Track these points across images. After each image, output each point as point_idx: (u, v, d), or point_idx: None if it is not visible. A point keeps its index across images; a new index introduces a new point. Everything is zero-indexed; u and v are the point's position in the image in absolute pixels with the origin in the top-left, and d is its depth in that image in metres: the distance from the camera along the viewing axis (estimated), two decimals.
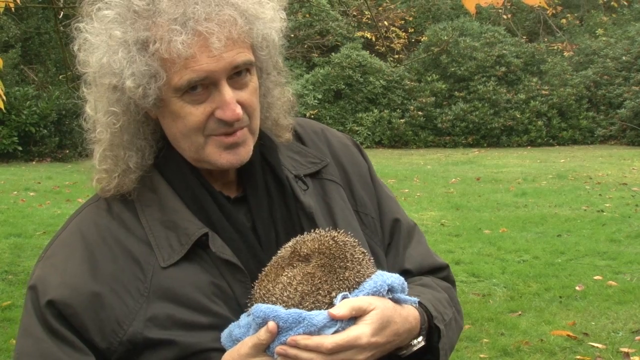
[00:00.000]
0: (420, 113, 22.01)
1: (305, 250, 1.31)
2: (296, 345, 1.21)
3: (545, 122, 21.72)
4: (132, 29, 1.28)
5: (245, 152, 1.37)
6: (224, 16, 1.27)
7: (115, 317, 1.31)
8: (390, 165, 16.83)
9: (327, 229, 1.36)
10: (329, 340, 1.21)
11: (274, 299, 1.26)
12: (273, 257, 1.34)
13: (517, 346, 5.17)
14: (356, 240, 1.35)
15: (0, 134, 18.06)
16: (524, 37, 24.32)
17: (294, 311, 1.24)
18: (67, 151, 19.04)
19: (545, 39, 24.72)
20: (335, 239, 1.32)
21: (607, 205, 10.75)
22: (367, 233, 1.51)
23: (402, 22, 24.75)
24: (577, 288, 6.54)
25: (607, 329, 5.48)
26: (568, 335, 5.33)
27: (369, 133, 21.91)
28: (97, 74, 1.33)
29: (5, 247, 8.53)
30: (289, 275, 1.28)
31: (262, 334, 1.23)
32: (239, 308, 1.32)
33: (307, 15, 23.24)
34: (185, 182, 1.39)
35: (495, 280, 6.92)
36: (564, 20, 25.61)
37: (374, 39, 23.30)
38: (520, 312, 5.97)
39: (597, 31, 24.25)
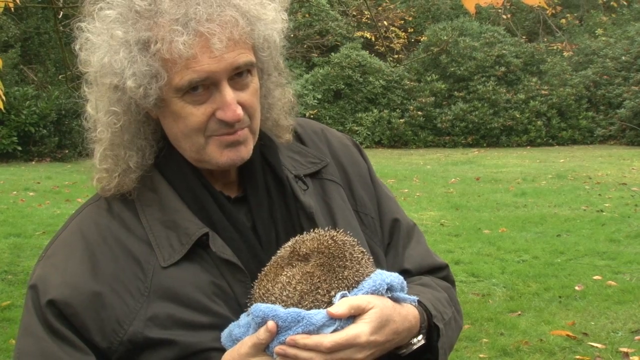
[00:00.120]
0: (419, 113, 22.02)
1: (305, 250, 1.31)
2: (295, 345, 1.22)
3: (544, 122, 21.73)
4: (133, 29, 1.28)
5: (246, 150, 1.37)
6: (226, 17, 1.27)
7: (116, 316, 1.31)
8: (389, 165, 16.83)
9: (326, 229, 1.36)
10: (328, 339, 1.22)
11: (273, 299, 1.27)
12: (272, 257, 1.34)
13: (517, 346, 5.18)
14: (355, 240, 1.35)
15: (0, 133, 18.06)
16: (524, 37, 24.33)
17: (293, 310, 1.24)
18: (67, 151, 19.04)
19: (545, 39, 24.73)
20: (335, 238, 1.32)
21: (607, 205, 10.75)
22: (367, 233, 1.51)
23: (402, 22, 24.76)
24: (576, 288, 6.54)
25: (607, 329, 5.49)
26: (567, 335, 5.33)
27: (369, 133, 21.91)
28: (98, 74, 1.33)
29: (5, 247, 8.53)
30: (288, 274, 1.29)
31: (262, 333, 1.23)
32: (239, 308, 1.33)
33: (307, 15, 23.25)
34: (186, 182, 1.39)
35: (494, 280, 6.92)
36: (563, 20, 25.62)
37: (373, 39, 23.31)
38: (519, 312, 5.97)
39: (596, 31, 24.26)
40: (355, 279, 1.30)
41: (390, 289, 1.31)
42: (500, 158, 18.32)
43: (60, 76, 18.18)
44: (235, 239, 1.37)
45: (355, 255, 1.32)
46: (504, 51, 22.42)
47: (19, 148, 18.41)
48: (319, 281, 1.28)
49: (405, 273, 1.48)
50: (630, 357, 4.90)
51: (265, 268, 1.33)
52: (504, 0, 3.23)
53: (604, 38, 23.31)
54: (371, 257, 1.37)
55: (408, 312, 1.34)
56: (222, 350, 1.30)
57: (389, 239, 1.56)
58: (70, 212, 1.50)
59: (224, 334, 1.31)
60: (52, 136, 18.88)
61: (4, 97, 4.79)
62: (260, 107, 1.41)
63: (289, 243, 1.34)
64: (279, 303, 1.26)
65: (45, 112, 18.47)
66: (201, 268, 1.34)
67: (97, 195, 1.43)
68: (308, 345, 1.21)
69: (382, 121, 21.93)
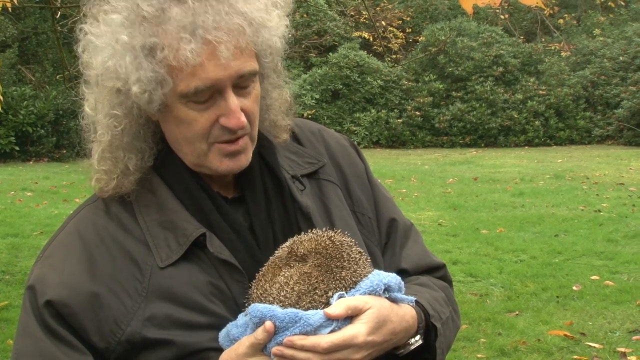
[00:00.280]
0: (417, 113, 22.02)
1: (302, 250, 1.32)
2: (292, 346, 1.22)
3: (542, 122, 21.74)
4: (139, 34, 1.27)
5: (246, 159, 1.38)
6: (233, 25, 1.27)
7: (114, 317, 1.31)
8: (387, 165, 16.83)
9: (324, 229, 1.36)
10: (325, 339, 1.22)
11: (271, 299, 1.27)
12: (270, 258, 1.34)
13: (515, 346, 5.18)
14: (353, 240, 1.35)
15: None
16: (522, 37, 24.34)
17: (290, 311, 1.24)
18: (65, 151, 19.03)
19: (543, 39, 24.75)
20: (332, 238, 1.33)
21: (604, 205, 10.77)
22: (364, 233, 1.52)
23: (400, 22, 24.76)
24: (574, 288, 6.55)
25: (604, 329, 5.49)
26: (565, 335, 5.34)
27: (367, 133, 21.91)
28: (100, 77, 1.32)
29: (3, 247, 8.52)
30: (286, 275, 1.29)
31: (259, 333, 1.23)
32: (236, 308, 1.33)
33: (305, 15, 23.25)
34: (183, 183, 1.40)
35: (492, 280, 6.93)
36: (561, 21, 25.64)
37: (371, 39, 23.31)
38: (517, 312, 5.98)
39: (594, 31, 24.28)
40: (353, 279, 1.30)
41: (387, 289, 1.32)
42: (498, 158, 18.33)
43: (58, 76, 18.15)
44: (233, 240, 1.37)
45: (352, 255, 1.32)
46: (502, 51, 22.43)
47: (17, 148, 18.41)
48: (316, 282, 1.28)
49: (403, 273, 1.48)
50: (628, 357, 4.90)
51: (263, 268, 1.33)
52: (501, 0, 3.23)
53: (601, 38, 23.33)
54: (369, 258, 1.37)
55: (405, 313, 1.34)
56: (220, 350, 1.30)
57: (386, 239, 1.56)
58: (68, 212, 1.50)
59: (222, 334, 1.31)
60: (50, 136, 18.87)
61: (1, 97, 4.79)
62: (259, 109, 1.41)
63: (287, 243, 1.34)
64: (277, 303, 1.26)
65: (43, 112, 18.46)
66: (199, 268, 1.34)
67: (94, 196, 1.43)
68: (305, 346, 1.21)
69: (380, 121, 21.94)
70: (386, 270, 1.38)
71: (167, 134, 1.38)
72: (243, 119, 1.32)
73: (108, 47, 1.29)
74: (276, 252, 1.34)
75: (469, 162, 17.65)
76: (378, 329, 1.27)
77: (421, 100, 22.11)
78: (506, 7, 22.73)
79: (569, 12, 26.35)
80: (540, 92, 21.90)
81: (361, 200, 1.55)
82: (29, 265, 7.08)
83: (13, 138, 18.26)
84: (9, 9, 5.18)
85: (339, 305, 1.25)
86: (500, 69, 22.26)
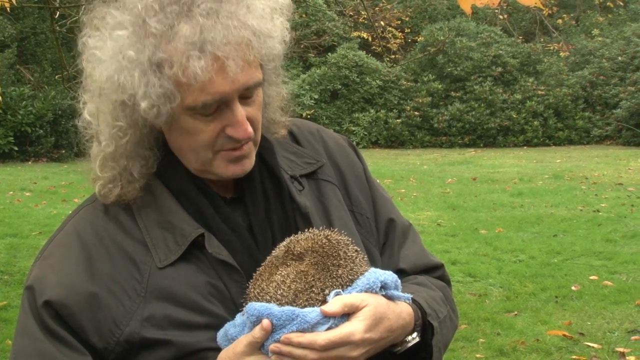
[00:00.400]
0: (416, 113, 22.04)
1: (299, 249, 1.32)
2: (290, 343, 1.22)
3: (541, 122, 21.76)
4: (146, 50, 1.26)
5: (250, 163, 1.38)
6: (241, 39, 1.26)
7: (112, 317, 1.31)
8: (386, 166, 16.84)
9: (320, 228, 1.37)
10: (322, 337, 1.22)
11: (268, 298, 1.27)
12: (267, 257, 1.35)
13: (513, 346, 5.18)
14: (350, 239, 1.36)
15: None
16: (520, 38, 24.36)
17: (287, 309, 1.24)
18: (63, 151, 19.03)
19: (542, 39, 24.77)
20: (329, 237, 1.33)
21: (603, 205, 10.77)
22: (363, 233, 1.52)
23: (399, 22, 24.78)
24: (573, 288, 6.55)
25: (603, 329, 5.50)
26: (564, 335, 5.34)
27: (366, 133, 21.92)
28: (105, 90, 1.31)
29: (1, 247, 8.52)
30: (283, 273, 1.29)
31: (257, 332, 1.24)
32: (235, 308, 1.33)
33: (304, 15, 23.25)
34: (182, 183, 1.40)
35: (491, 280, 6.93)
36: (560, 21, 25.66)
37: (370, 39, 23.33)
38: (516, 312, 5.98)
39: (593, 31, 24.30)
40: (350, 277, 1.30)
41: (384, 286, 1.32)
42: (497, 158, 18.35)
43: (56, 76, 18.18)
44: (232, 240, 1.37)
45: (349, 254, 1.33)
46: (501, 51, 22.44)
47: (16, 148, 18.40)
48: (313, 280, 1.28)
49: (401, 273, 1.48)
50: (627, 357, 4.91)
51: (260, 268, 1.33)
52: (500, 0, 3.24)
53: (600, 38, 23.36)
54: (365, 256, 1.38)
55: (402, 310, 1.34)
56: (218, 350, 1.30)
57: (385, 239, 1.56)
58: (66, 212, 1.50)
59: (220, 334, 1.31)
60: (49, 136, 18.86)
61: (0, 97, 4.79)
62: None
63: (284, 243, 1.35)
64: (274, 302, 1.26)
65: (41, 112, 18.45)
66: (197, 268, 1.35)
67: (93, 197, 1.43)
68: (302, 343, 1.22)
69: (379, 121, 21.94)
70: (384, 270, 1.39)
71: (170, 141, 1.38)
72: (250, 129, 1.32)
73: (113, 61, 1.28)
74: (273, 251, 1.35)
75: (467, 162, 17.66)
76: (375, 326, 1.27)
77: (420, 101, 22.12)
78: (505, 7, 22.74)
79: (568, 12, 26.37)
80: (539, 92, 21.91)
81: (360, 201, 1.56)
82: (28, 266, 7.07)
83: (12, 138, 18.25)
84: (8, 9, 5.18)
85: (335, 303, 1.25)
86: (499, 69, 22.28)
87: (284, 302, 1.26)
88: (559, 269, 7.26)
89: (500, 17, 23.04)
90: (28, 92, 18.83)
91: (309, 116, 20.52)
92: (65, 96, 16.96)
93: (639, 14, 24.54)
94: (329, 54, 22.62)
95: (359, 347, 1.25)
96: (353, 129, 21.85)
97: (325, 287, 1.28)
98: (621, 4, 25.46)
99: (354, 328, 1.24)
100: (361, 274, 1.32)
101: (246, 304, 1.29)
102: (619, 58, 21.77)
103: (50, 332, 1.30)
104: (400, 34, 24.55)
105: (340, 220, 1.48)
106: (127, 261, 1.34)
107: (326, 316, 1.24)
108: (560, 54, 23.45)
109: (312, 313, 1.24)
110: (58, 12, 6.53)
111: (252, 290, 1.31)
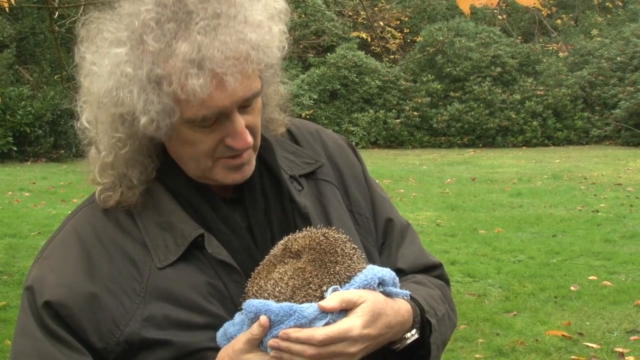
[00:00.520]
0: (415, 113, 22.04)
1: (297, 247, 1.33)
2: (288, 339, 1.22)
3: (540, 123, 21.76)
4: (145, 66, 1.25)
5: (250, 169, 1.39)
6: (240, 54, 1.25)
7: (112, 317, 1.31)
8: (385, 166, 16.84)
9: (318, 227, 1.37)
10: (319, 332, 1.22)
11: (266, 295, 1.28)
12: (266, 256, 1.35)
13: (513, 346, 5.19)
14: (347, 237, 1.36)
15: None
16: (519, 38, 24.37)
17: (285, 304, 1.25)
18: (62, 151, 19.02)
19: (541, 40, 24.79)
20: (326, 235, 1.34)
21: (602, 205, 10.78)
22: (361, 233, 1.52)
23: (398, 22, 24.78)
24: (572, 288, 6.56)
25: (602, 329, 5.50)
26: (563, 336, 5.34)
27: (365, 133, 21.92)
28: (103, 104, 1.31)
29: (0, 247, 8.52)
30: (281, 271, 1.30)
31: (255, 328, 1.24)
32: (234, 308, 1.33)
33: (303, 16, 23.25)
34: (181, 184, 1.40)
35: (490, 281, 6.93)
36: (559, 21, 25.67)
37: (369, 39, 23.33)
38: (515, 312, 5.98)
39: (592, 32, 24.32)
40: (347, 274, 1.31)
41: (382, 283, 1.32)
42: (496, 158, 18.35)
43: (55, 76, 18.15)
44: (231, 240, 1.38)
45: (346, 251, 1.33)
46: (500, 51, 22.45)
47: (15, 148, 18.39)
48: (310, 276, 1.29)
49: (399, 272, 1.48)
50: (626, 357, 4.91)
51: (259, 266, 1.34)
52: (499, 0, 3.24)
53: (599, 39, 23.37)
54: (363, 254, 1.38)
55: (400, 307, 1.34)
56: (218, 349, 1.30)
57: (383, 239, 1.56)
58: (66, 212, 1.50)
59: (219, 333, 1.32)
60: (48, 136, 18.85)
61: None
62: None
63: (282, 241, 1.35)
64: (272, 299, 1.27)
65: (40, 113, 18.44)
66: (197, 269, 1.35)
67: (92, 197, 1.43)
68: (300, 338, 1.22)
69: (378, 121, 21.95)
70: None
71: (170, 150, 1.38)
72: (249, 139, 1.33)
73: (112, 77, 1.28)
74: (271, 250, 1.35)
75: (467, 162, 17.66)
76: (373, 322, 1.27)
77: (419, 101, 22.12)
78: (504, 7, 22.76)
79: (567, 12, 26.38)
80: (538, 92, 21.92)
81: (358, 201, 1.56)
82: (27, 266, 7.07)
83: (11, 138, 18.24)
84: (7, 9, 5.17)
85: (333, 298, 1.25)
86: (498, 69, 22.28)
87: (281, 298, 1.27)
88: (558, 269, 7.26)
89: (499, 17, 23.05)
90: (27, 92, 18.82)
91: (308, 116, 20.52)
92: (64, 96, 16.94)
93: (638, 14, 24.55)
94: (328, 54, 22.62)
95: (357, 343, 1.25)
96: (352, 129, 21.85)
97: (323, 284, 1.28)
98: (620, 4, 25.48)
99: (352, 324, 1.25)
100: (359, 270, 1.32)
101: (245, 302, 1.30)
102: (618, 58, 21.78)
103: (50, 333, 1.30)
104: (399, 34, 24.56)
105: (339, 220, 1.48)
106: (127, 261, 1.34)
107: (324, 311, 1.24)
108: (559, 54, 23.46)
109: (309, 308, 1.24)
110: (57, 12, 6.53)
111: (250, 288, 1.31)
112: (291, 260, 1.32)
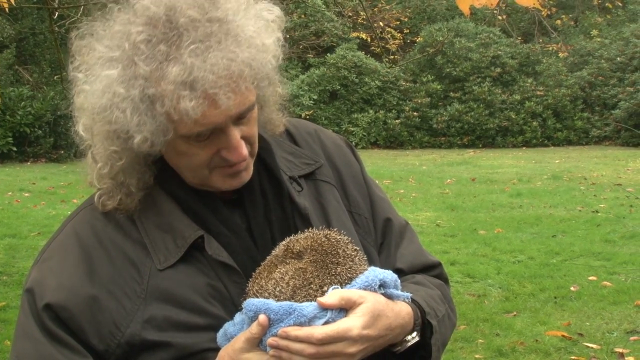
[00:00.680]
0: (415, 114, 22.04)
1: (298, 248, 1.33)
2: (287, 337, 1.23)
3: (540, 123, 21.77)
4: (137, 88, 1.25)
5: (247, 174, 1.39)
6: (233, 73, 1.24)
7: (113, 319, 1.31)
8: (385, 166, 16.84)
9: (320, 228, 1.37)
10: (318, 330, 1.22)
11: (266, 294, 1.28)
12: (267, 257, 1.35)
13: (512, 347, 5.18)
14: (349, 238, 1.36)
15: None
16: (519, 38, 24.37)
17: (284, 303, 1.25)
18: (62, 152, 19.02)
19: (540, 40, 24.78)
20: (328, 236, 1.34)
21: (602, 205, 10.78)
22: (361, 233, 1.52)
23: (398, 22, 24.77)
24: (572, 288, 6.55)
25: (602, 330, 5.50)
26: (563, 336, 5.34)
27: (365, 134, 21.93)
28: (97, 121, 1.31)
29: (0, 248, 8.51)
30: (282, 271, 1.30)
31: (254, 327, 1.24)
32: (234, 309, 1.33)
33: (303, 16, 23.26)
34: (180, 187, 1.40)
35: (490, 281, 6.93)
36: (558, 21, 25.67)
37: (369, 39, 23.33)
38: (515, 313, 5.98)
39: (591, 32, 24.32)
40: (348, 275, 1.31)
41: (383, 285, 1.32)
42: (496, 159, 18.35)
43: (55, 77, 18.17)
44: (231, 241, 1.38)
45: (348, 252, 1.33)
46: (500, 52, 22.46)
47: (14, 149, 18.39)
48: (311, 276, 1.29)
49: (398, 272, 1.48)
50: (626, 358, 4.91)
51: (260, 267, 1.34)
52: (498, 1, 3.24)
53: (599, 39, 23.38)
54: (365, 256, 1.38)
55: (401, 309, 1.34)
56: (218, 350, 1.30)
57: (382, 239, 1.57)
58: (65, 213, 1.50)
59: (219, 334, 1.32)
60: (48, 137, 18.85)
61: None
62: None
63: (283, 242, 1.36)
64: (272, 298, 1.27)
65: (40, 113, 18.44)
66: (197, 270, 1.35)
67: (92, 198, 1.43)
68: (299, 336, 1.22)
69: (378, 122, 21.95)
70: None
71: (167, 159, 1.38)
72: (244, 152, 1.33)
73: (105, 96, 1.27)
74: (273, 250, 1.36)
75: (466, 162, 17.66)
76: (373, 323, 1.27)
77: (419, 101, 22.12)
78: (503, 7, 22.75)
79: (567, 13, 26.38)
80: (538, 92, 21.93)
81: (357, 201, 1.56)
82: (27, 266, 7.07)
83: (10, 139, 18.24)
84: (6, 9, 5.17)
85: (332, 295, 1.26)
86: (498, 69, 22.29)
87: (282, 298, 1.27)
88: (558, 269, 7.26)
89: (499, 17, 23.05)
90: (27, 93, 18.82)
91: (308, 117, 20.51)
92: (64, 97, 16.93)
93: (638, 14, 24.56)
94: (328, 54, 22.62)
95: (356, 344, 1.25)
96: (352, 129, 21.85)
97: (324, 284, 1.29)
98: (620, 4, 25.47)
99: (352, 324, 1.25)
100: (360, 272, 1.32)
101: (244, 301, 1.30)
102: (618, 59, 21.79)
103: (52, 335, 1.31)
104: (399, 34, 24.55)
105: (339, 220, 1.48)
106: (127, 263, 1.34)
107: (323, 308, 1.24)
108: (559, 54, 23.46)
109: (309, 307, 1.24)
110: (57, 13, 6.53)
111: (251, 288, 1.31)
112: (293, 260, 1.32)
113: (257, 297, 1.28)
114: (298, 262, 1.31)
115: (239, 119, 1.31)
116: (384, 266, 1.45)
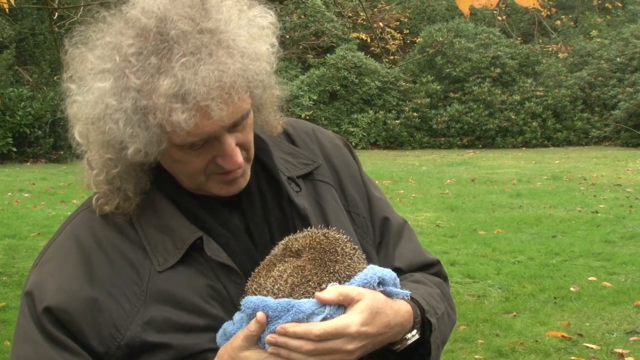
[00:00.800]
0: (415, 114, 22.04)
1: (297, 246, 1.33)
2: (285, 333, 1.23)
3: (540, 123, 21.78)
4: (129, 101, 1.25)
5: (244, 180, 1.39)
6: (224, 84, 1.24)
7: (113, 321, 1.31)
8: (385, 167, 16.84)
9: (319, 227, 1.38)
10: (317, 327, 1.22)
11: (265, 292, 1.28)
12: (266, 257, 1.35)
13: (512, 347, 5.18)
14: (348, 237, 1.37)
15: None
16: (519, 39, 24.38)
17: (282, 300, 1.25)
18: (62, 152, 19.02)
19: (540, 40, 24.79)
20: (327, 234, 1.35)
21: (602, 206, 10.78)
22: (359, 232, 1.52)
23: (397, 23, 24.79)
24: (571, 289, 6.56)
25: (602, 330, 5.50)
26: (563, 336, 5.34)
27: (364, 134, 21.93)
28: (91, 131, 1.31)
29: (0, 248, 8.51)
30: (280, 269, 1.30)
31: (252, 325, 1.24)
32: (234, 309, 1.33)
33: (303, 17, 23.26)
34: (178, 189, 1.40)
35: (490, 281, 6.93)
36: (558, 22, 25.68)
37: (369, 40, 23.34)
38: (515, 313, 5.98)
39: (591, 32, 24.33)
40: (347, 273, 1.31)
41: (382, 282, 1.32)
42: (496, 159, 18.35)
43: (55, 77, 18.15)
44: (230, 242, 1.38)
45: (346, 250, 1.34)
46: (499, 52, 22.47)
47: (14, 149, 18.39)
48: (309, 274, 1.29)
49: (397, 271, 1.48)
50: (625, 358, 4.91)
51: (259, 266, 1.34)
52: (498, 1, 3.24)
53: (598, 39, 23.38)
54: (363, 254, 1.38)
55: (400, 307, 1.34)
56: (218, 350, 1.30)
57: (380, 238, 1.57)
58: (65, 213, 1.50)
59: (219, 333, 1.32)
60: (47, 137, 18.86)
61: None
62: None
63: (282, 241, 1.36)
64: (271, 296, 1.27)
65: (40, 113, 18.45)
66: (196, 271, 1.35)
67: (90, 200, 1.43)
68: (297, 333, 1.22)
69: (378, 122, 21.95)
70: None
71: (164, 166, 1.38)
72: (239, 160, 1.33)
73: (97, 107, 1.27)
74: (272, 250, 1.36)
75: (466, 163, 17.66)
76: (372, 320, 1.27)
77: (419, 102, 22.13)
78: (503, 8, 22.77)
79: (566, 13, 26.39)
80: (538, 93, 21.93)
81: (356, 200, 1.56)
82: (27, 267, 7.06)
83: (10, 139, 18.25)
84: (6, 9, 5.17)
85: (331, 291, 1.26)
86: (498, 70, 22.30)
87: (280, 295, 1.27)
88: (558, 269, 7.26)
89: (499, 18, 23.06)
90: (27, 93, 18.83)
91: (307, 117, 20.51)
92: (63, 97, 16.93)
93: (638, 15, 24.56)
94: (328, 55, 22.62)
95: (354, 340, 1.25)
96: (352, 130, 21.85)
97: (322, 282, 1.29)
98: (619, 5, 25.48)
99: (350, 320, 1.24)
100: (359, 270, 1.32)
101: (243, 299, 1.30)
102: (618, 59, 21.79)
103: (52, 338, 1.31)
104: (399, 35, 24.56)
105: (337, 220, 1.49)
106: (126, 265, 1.34)
107: (322, 305, 1.24)
108: (559, 55, 23.47)
109: (307, 303, 1.25)
110: (57, 13, 6.53)
111: (250, 286, 1.32)
112: (291, 259, 1.32)
113: (255, 294, 1.29)
114: (297, 261, 1.32)
115: (233, 126, 1.31)
116: (382, 265, 1.45)
